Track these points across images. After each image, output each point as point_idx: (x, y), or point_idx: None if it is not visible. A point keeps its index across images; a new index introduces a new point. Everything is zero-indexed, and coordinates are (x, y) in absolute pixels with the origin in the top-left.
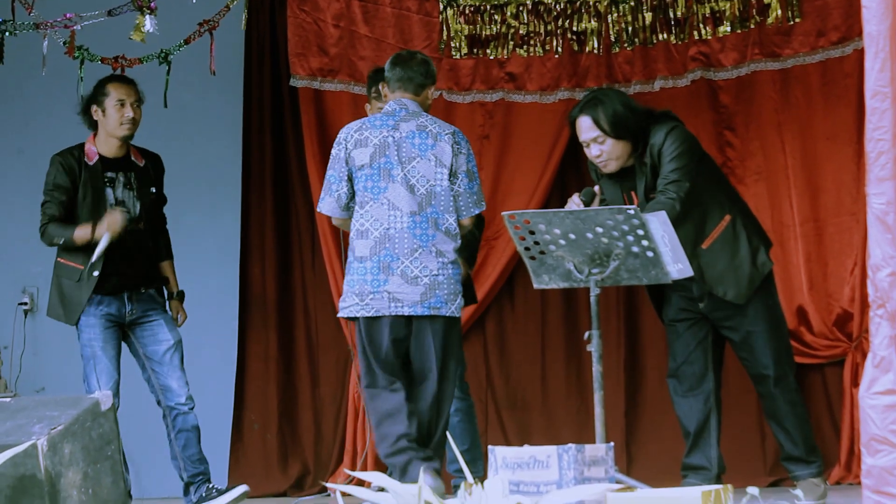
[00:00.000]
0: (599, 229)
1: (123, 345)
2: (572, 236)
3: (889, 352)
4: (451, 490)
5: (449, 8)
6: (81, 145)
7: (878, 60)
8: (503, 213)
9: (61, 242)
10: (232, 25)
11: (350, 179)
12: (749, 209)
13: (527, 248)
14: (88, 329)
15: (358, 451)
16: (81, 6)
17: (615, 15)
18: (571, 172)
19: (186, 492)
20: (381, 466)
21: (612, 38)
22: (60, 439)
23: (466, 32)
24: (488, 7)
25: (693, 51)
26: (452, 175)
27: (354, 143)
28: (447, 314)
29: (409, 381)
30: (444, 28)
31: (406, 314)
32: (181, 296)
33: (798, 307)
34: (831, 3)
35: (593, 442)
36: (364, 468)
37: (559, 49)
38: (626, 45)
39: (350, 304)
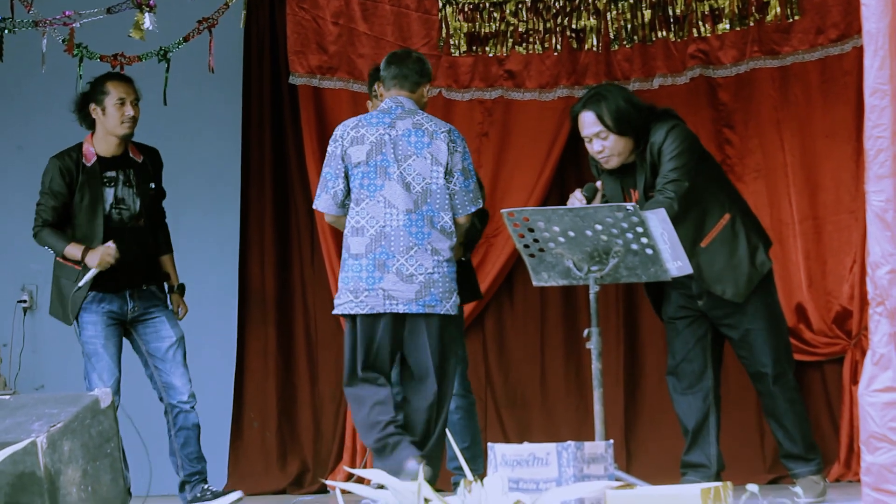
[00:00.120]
0: (599, 227)
1: (126, 341)
2: (571, 234)
3: (888, 349)
4: (450, 486)
5: (448, 5)
6: (79, 146)
7: (878, 58)
8: (502, 211)
9: (52, 252)
10: (231, 23)
11: (346, 177)
12: (749, 208)
13: (526, 246)
14: (90, 326)
15: (358, 448)
16: (81, 4)
17: (614, 12)
18: (570, 170)
19: (182, 489)
20: None
21: (612, 36)
22: (60, 437)
23: (465, 30)
24: (487, 5)
25: (692, 48)
26: (448, 173)
27: (351, 140)
28: (442, 312)
29: (406, 380)
30: (443, 26)
31: (401, 312)
32: (182, 289)
33: (797, 305)
34: (830, 1)
35: (593, 439)
36: (364, 466)
37: (558, 47)
38: (625, 42)
39: (344, 301)
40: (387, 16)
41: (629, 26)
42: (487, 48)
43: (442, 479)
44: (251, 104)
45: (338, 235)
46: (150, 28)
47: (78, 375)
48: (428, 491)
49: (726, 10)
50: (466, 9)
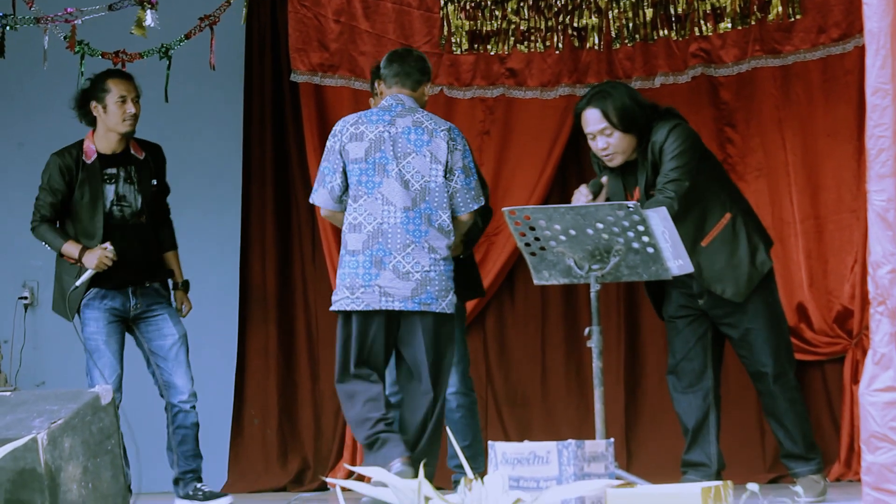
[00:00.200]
0: (600, 225)
1: (129, 337)
2: (573, 232)
3: (889, 349)
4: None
5: (450, 3)
6: (80, 143)
7: (879, 57)
8: (503, 209)
9: (48, 248)
10: (233, 20)
11: (344, 172)
12: (751, 208)
13: (527, 244)
14: (92, 323)
15: (358, 446)
16: (82, 1)
17: (616, 11)
18: (572, 168)
19: (176, 483)
20: None
21: (613, 35)
22: (60, 433)
23: (467, 28)
24: (489, 3)
25: (694, 47)
26: (449, 172)
27: (350, 136)
28: (437, 310)
29: (402, 378)
30: (445, 24)
31: (396, 309)
32: (186, 286)
33: (798, 304)
34: (832, 0)
35: (593, 438)
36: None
37: (560, 45)
38: (626, 41)
39: (341, 298)
40: (388, 13)
41: (631, 25)
42: (489, 46)
43: (442, 478)
44: (252, 101)
45: (339, 233)
46: (152, 25)
47: (78, 372)
48: (428, 489)
49: (728, 9)
50: (468, 7)
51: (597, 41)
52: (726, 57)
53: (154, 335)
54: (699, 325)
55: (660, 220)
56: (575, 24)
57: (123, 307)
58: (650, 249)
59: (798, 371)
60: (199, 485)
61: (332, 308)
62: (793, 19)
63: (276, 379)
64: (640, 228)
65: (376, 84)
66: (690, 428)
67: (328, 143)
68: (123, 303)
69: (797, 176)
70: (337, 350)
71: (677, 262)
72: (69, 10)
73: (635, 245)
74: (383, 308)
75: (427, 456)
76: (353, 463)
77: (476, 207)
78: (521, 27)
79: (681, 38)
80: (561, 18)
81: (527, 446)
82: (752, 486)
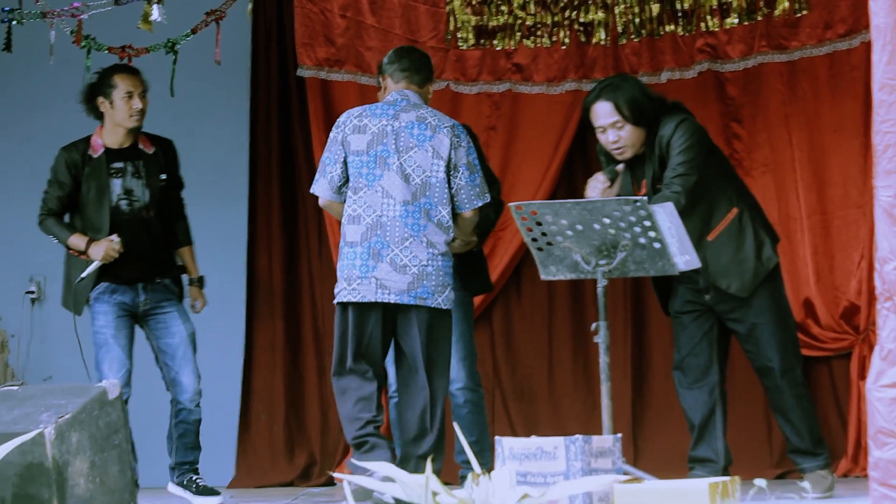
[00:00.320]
0: (606, 220)
1: (139, 331)
2: (579, 227)
3: None
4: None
5: None
6: (88, 138)
7: (886, 53)
8: (510, 205)
9: (55, 241)
10: (239, 15)
11: (345, 163)
12: (757, 203)
13: (534, 240)
14: (101, 316)
15: None
16: None
17: (622, 6)
18: (578, 163)
19: (172, 470)
20: None
21: (620, 30)
22: (68, 428)
23: (473, 23)
24: None
25: (700, 42)
26: (453, 168)
27: (352, 128)
28: (433, 305)
29: (401, 374)
30: (451, 19)
31: (392, 302)
32: (201, 281)
33: (805, 300)
34: None
35: (600, 433)
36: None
37: (566, 40)
38: (633, 36)
39: (340, 289)
40: (394, 8)
41: (637, 20)
42: (495, 41)
43: (449, 473)
44: (259, 96)
45: None
46: (158, 20)
47: (85, 367)
48: (436, 484)
49: (734, 5)
50: (474, 2)
51: (603, 36)
52: (733, 52)
53: (162, 332)
54: (705, 321)
55: (666, 216)
56: (581, 20)
57: (133, 302)
58: (657, 245)
59: (805, 367)
60: (195, 477)
61: (335, 301)
62: (799, 15)
63: (283, 374)
64: (647, 224)
65: (381, 79)
66: (697, 424)
67: (331, 135)
68: (133, 298)
69: (803, 171)
70: (335, 343)
71: (684, 257)
72: (75, 4)
73: (642, 240)
74: (379, 300)
75: (434, 452)
76: None
77: (481, 204)
78: (528, 22)
79: (687, 34)
80: (567, 14)
81: (534, 441)
82: (760, 482)
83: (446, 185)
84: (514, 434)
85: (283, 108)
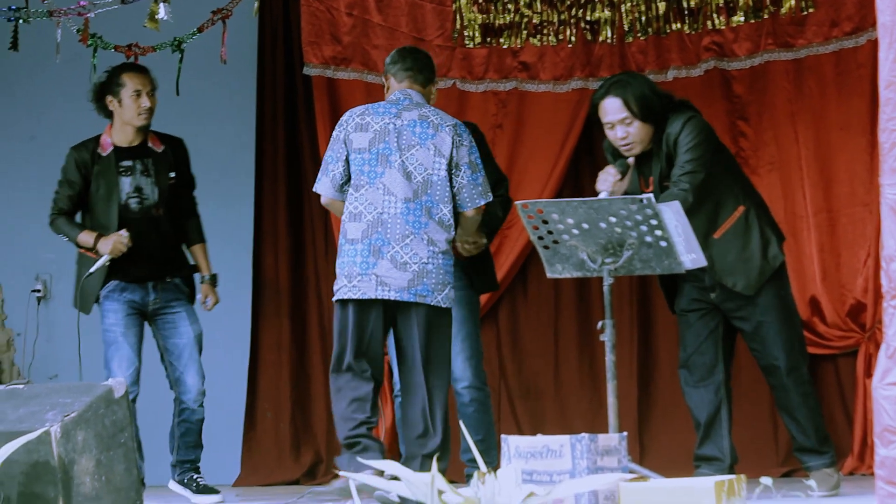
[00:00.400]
0: (613, 219)
1: (148, 328)
2: (585, 226)
3: None
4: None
5: None
6: (98, 137)
7: (892, 51)
8: (516, 203)
9: (65, 240)
10: (245, 14)
11: (347, 161)
12: (764, 202)
13: (540, 238)
14: (110, 314)
15: None
16: None
17: (629, 4)
18: (585, 161)
19: (174, 467)
20: (394, 455)
21: (626, 28)
22: (74, 426)
23: (480, 21)
24: None
25: (706, 41)
26: (454, 167)
27: (355, 126)
28: (432, 303)
29: (402, 372)
30: (458, 17)
31: (392, 299)
32: (214, 279)
33: (811, 298)
34: None
35: (606, 431)
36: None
37: (572, 38)
38: (639, 34)
39: (340, 287)
40: (401, 7)
41: (644, 18)
42: (502, 40)
43: (455, 471)
44: (265, 95)
45: None
46: (165, 18)
47: (92, 365)
48: (441, 483)
49: (741, 3)
50: (481, 0)
51: (609, 35)
52: (739, 50)
53: (170, 332)
54: (711, 319)
55: (672, 214)
56: (588, 18)
57: (142, 301)
58: (663, 243)
59: (811, 365)
60: (195, 475)
61: (334, 298)
62: (805, 13)
63: (289, 372)
64: (654, 222)
65: (384, 78)
66: (702, 422)
67: (334, 133)
68: (143, 297)
69: (810, 169)
70: (334, 340)
71: (690, 255)
72: (82, 2)
73: (648, 239)
74: (379, 297)
75: (439, 451)
76: None
77: (483, 203)
78: (534, 21)
79: (693, 32)
80: (574, 12)
81: (540, 440)
82: (766, 480)
83: (448, 184)
84: (520, 432)
85: (289, 106)
